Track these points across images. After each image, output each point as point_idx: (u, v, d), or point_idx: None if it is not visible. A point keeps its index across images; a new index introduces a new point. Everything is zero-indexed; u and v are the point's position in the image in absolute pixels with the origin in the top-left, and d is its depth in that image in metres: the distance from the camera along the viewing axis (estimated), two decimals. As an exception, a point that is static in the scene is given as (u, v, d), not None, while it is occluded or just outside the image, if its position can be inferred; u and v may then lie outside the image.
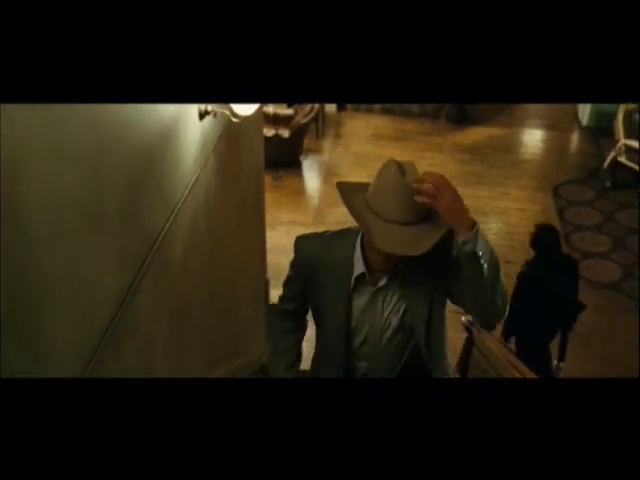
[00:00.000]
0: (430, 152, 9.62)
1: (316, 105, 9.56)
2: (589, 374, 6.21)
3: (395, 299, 2.30)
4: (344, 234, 2.39)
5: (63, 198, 2.34)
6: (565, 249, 7.74)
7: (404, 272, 2.26)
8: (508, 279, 7.15)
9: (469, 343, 5.77)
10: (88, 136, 2.49)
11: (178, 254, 3.70)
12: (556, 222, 8.18)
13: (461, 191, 7.66)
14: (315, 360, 2.61)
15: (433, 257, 2.15)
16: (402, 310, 2.32)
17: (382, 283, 2.27)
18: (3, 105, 1.86)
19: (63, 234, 2.37)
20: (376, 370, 2.45)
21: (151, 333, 3.27)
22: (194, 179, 3.90)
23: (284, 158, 9.07)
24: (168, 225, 3.46)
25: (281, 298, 2.70)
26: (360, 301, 2.34)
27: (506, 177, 9.11)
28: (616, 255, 7.65)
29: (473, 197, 8.58)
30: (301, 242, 2.44)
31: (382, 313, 2.32)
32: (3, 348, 1.92)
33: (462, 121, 10.24)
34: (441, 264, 2.22)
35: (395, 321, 2.33)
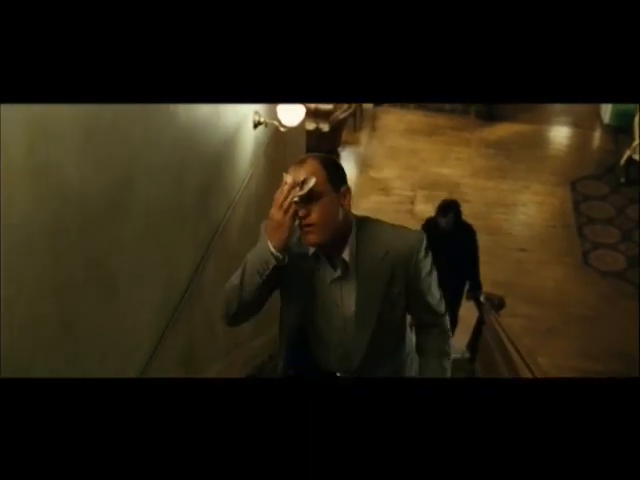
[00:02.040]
0: (458, 146, 10.32)
1: (354, 101, 10.34)
2: (595, 353, 6.90)
3: (352, 293, 2.23)
4: None
5: (155, 201, 3.21)
6: (577, 240, 8.47)
7: (356, 267, 2.21)
8: (524, 265, 7.96)
9: (479, 322, 6.44)
10: (176, 153, 3.37)
11: (234, 239, 4.56)
12: (571, 215, 8.88)
13: (485, 184, 8.74)
14: (281, 323, 2.45)
15: (390, 265, 2.20)
16: (356, 303, 2.26)
17: (337, 274, 2.22)
18: (118, 122, 2.67)
19: (153, 228, 3.24)
20: (335, 359, 2.39)
21: (212, 300, 4.12)
22: (248, 177, 4.77)
23: (323, 150, 9.72)
24: (227, 216, 4.33)
25: None
26: (321, 285, 2.27)
27: (528, 172, 9.76)
28: (623, 246, 8.30)
29: (496, 190, 9.31)
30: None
31: (342, 302, 2.26)
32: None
33: (490, 117, 10.88)
34: (401, 276, 2.23)
35: (352, 313, 2.27)
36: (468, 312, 6.38)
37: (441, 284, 5.59)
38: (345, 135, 10.34)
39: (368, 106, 11.17)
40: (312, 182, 2.04)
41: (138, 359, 3.14)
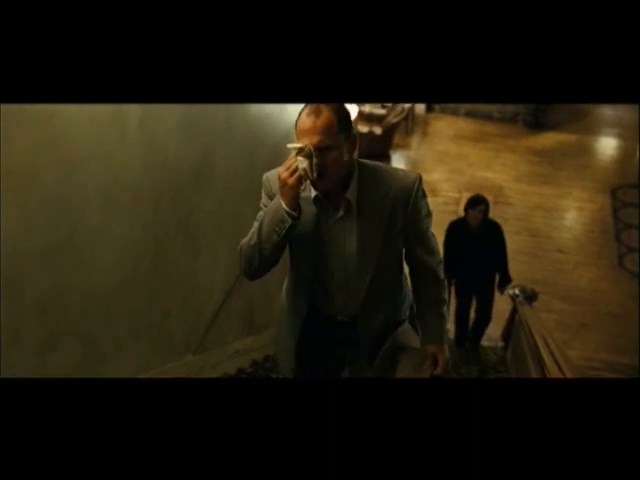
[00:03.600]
0: (504, 153, 10.81)
1: (407, 106, 10.90)
2: (622, 347, 7.30)
3: (354, 233, 2.28)
4: None
5: (231, 179, 3.85)
6: (614, 244, 8.89)
7: (358, 207, 2.25)
8: (561, 265, 8.41)
9: (513, 313, 6.83)
10: (248, 140, 4.02)
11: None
12: (610, 220, 9.31)
13: (528, 188, 9.17)
14: (287, 290, 2.52)
15: (390, 203, 2.24)
16: (358, 242, 2.29)
17: (340, 214, 2.25)
18: (207, 107, 3.29)
19: (229, 201, 3.89)
20: (339, 300, 2.39)
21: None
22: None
23: (376, 152, 10.19)
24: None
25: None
26: (324, 227, 2.29)
27: (570, 179, 10.18)
28: (655, 251, 8.69)
29: (538, 194, 9.77)
30: (269, 175, 2.34)
31: (345, 244, 2.30)
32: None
33: (537, 126, 11.36)
34: (398, 217, 2.27)
35: (355, 252, 2.30)
36: (504, 304, 6.84)
37: (474, 281, 6.16)
38: (397, 139, 10.89)
39: (420, 112, 11.74)
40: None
41: (210, 307, 3.78)
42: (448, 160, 10.61)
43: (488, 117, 11.63)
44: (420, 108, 11.82)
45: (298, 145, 2.05)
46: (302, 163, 2.02)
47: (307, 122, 2.08)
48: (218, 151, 3.60)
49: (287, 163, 2.07)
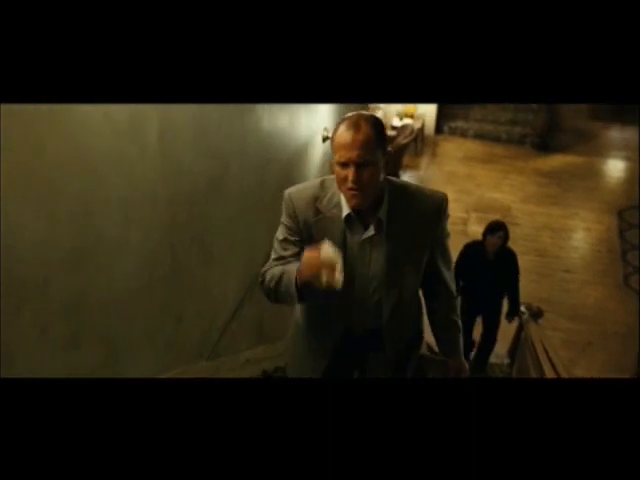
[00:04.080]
0: (513, 174, 10.98)
1: (416, 127, 11.10)
2: (627, 365, 7.33)
3: (383, 250, 2.25)
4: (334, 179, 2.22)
5: (243, 194, 4.03)
6: (620, 264, 9.01)
7: (388, 226, 2.22)
8: (568, 284, 8.53)
9: (519, 330, 6.88)
10: (260, 156, 4.21)
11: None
12: (616, 241, 9.43)
13: (535, 209, 9.16)
14: (307, 310, 2.49)
15: (419, 222, 2.23)
16: (386, 262, 2.27)
17: (370, 233, 2.22)
18: (222, 123, 3.49)
19: (240, 215, 4.06)
20: (360, 318, 2.40)
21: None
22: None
23: (386, 172, 10.50)
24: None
25: (274, 253, 2.41)
26: (351, 246, 2.26)
27: (578, 200, 10.32)
28: (661, 272, 8.81)
29: (546, 215, 9.92)
30: (292, 194, 2.34)
31: (370, 262, 2.27)
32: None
33: (545, 148, 11.55)
34: (427, 236, 2.28)
35: (379, 273, 2.28)
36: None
37: (483, 304, 6.18)
38: (406, 159, 11.09)
39: (429, 133, 11.94)
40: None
41: (222, 316, 3.95)
42: (456, 181, 10.78)
43: (496, 139, 11.83)
44: (430, 130, 12.02)
45: None
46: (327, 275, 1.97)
47: (346, 136, 2.04)
48: (232, 166, 3.79)
49: (313, 261, 2.00)
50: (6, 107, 1.99)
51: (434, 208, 2.27)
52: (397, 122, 11.25)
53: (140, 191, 2.92)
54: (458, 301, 2.55)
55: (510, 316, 6.34)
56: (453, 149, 11.81)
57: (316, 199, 2.26)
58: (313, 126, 5.27)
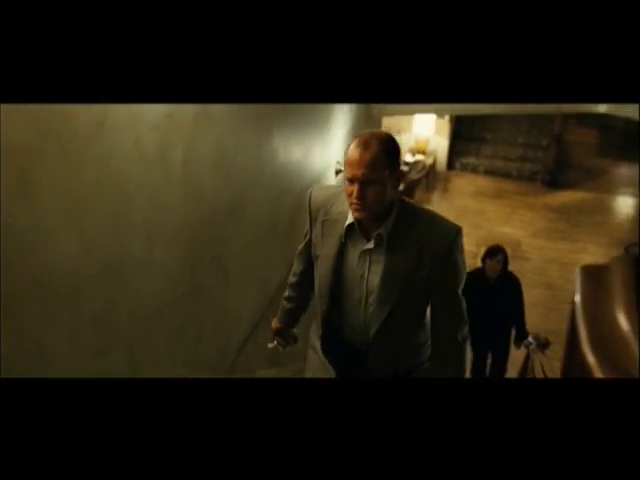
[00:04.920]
0: (522, 209, 11.18)
1: (427, 164, 11.35)
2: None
3: (381, 265, 2.26)
4: None
5: (258, 221, 4.26)
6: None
7: (389, 242, 2.24)
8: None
9: (526, 360, 6.99)
10: (274, 185, 4.43)
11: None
12: (624, 275, 9.57)
13: (544, 243, 9.25)
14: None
15: (425, 247, 2.22)
16: (381, 277, 2.28)
17: (369, 246, 2.25)
18: (238, 151, 3.72)
19: (256, 240, 4.28)
20: (356, 332, 2.43)
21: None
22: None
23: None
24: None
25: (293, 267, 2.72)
26: (351, 256, 2.30)
27: (586, 235, 10.49)
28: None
29: (555, 249, 10.08)
30: (314, 190, 2.43)
31: (367, 275, 2.29)
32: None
33: (554, 185, 11.75)
34: (428, 262, 2.24)
35: (376, 287, 2.29)
36: (519, 352, 6.95)
37: (490, 332, 6.16)
38: (418, 194, 11.24)
39: (442, 169, 12.17)
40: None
41: (238, 335, 4.15)
42: (467, 215, 10.97)
43: (507, 175, 12.05)
44: (442, 166, 12.25)
45: None
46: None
47: (355, 154, 2.09)
48: (248, 194, 4.02)
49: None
50: (47, 129, 2.21)
51: (441, 238, 2.24)
52: (409, 158, 11.47)
53: (164, 213, 3.14)
54: (462, 349, 2.47)
55: (518, 341, 6.27)
56: (464, 185, 12.03)
57: (330, 200, 2.34)
58: (327, 159, 5.50)
